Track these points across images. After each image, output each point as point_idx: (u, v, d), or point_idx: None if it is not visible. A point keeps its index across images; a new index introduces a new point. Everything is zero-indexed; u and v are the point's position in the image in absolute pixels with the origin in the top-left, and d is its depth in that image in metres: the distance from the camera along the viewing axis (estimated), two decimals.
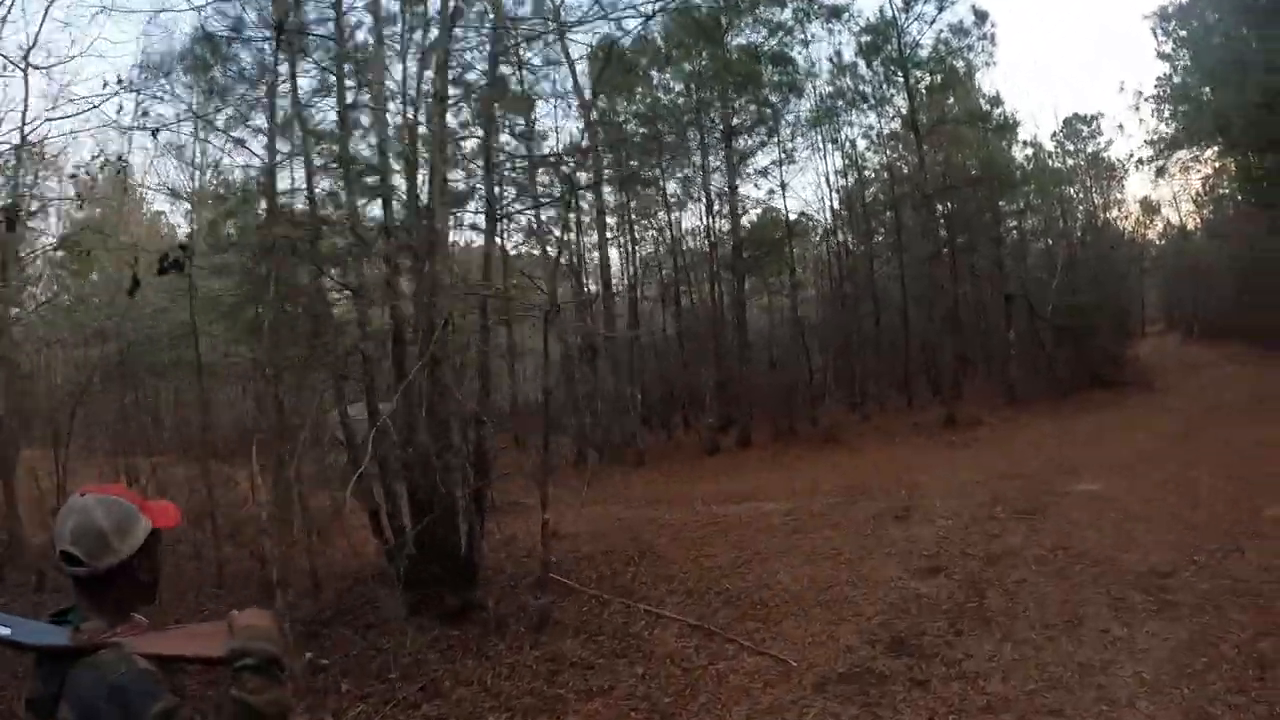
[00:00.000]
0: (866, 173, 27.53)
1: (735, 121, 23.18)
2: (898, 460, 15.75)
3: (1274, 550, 6.61)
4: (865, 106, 25.37)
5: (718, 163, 23.75)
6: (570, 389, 21.65)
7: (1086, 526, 8.42)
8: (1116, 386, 22.23)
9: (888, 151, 27.51)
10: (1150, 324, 45.00)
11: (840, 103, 25.44)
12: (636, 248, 27.67)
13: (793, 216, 26.38)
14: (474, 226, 16.74)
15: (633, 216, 26.78)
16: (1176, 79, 26.86)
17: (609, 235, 25.88)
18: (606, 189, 22.67)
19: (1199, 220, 39.37)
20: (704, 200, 23.89)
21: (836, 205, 27.82)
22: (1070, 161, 37.74)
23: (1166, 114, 30.30)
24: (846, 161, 26.78)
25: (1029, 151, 30.88)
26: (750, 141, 24.25)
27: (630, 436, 22.12)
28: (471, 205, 12.16)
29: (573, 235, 22.86)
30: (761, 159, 24.87)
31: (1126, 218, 42.84)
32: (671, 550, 9.84)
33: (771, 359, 24.72)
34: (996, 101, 27.45)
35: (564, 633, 7.33)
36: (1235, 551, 6.82)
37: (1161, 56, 27.68)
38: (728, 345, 23.84)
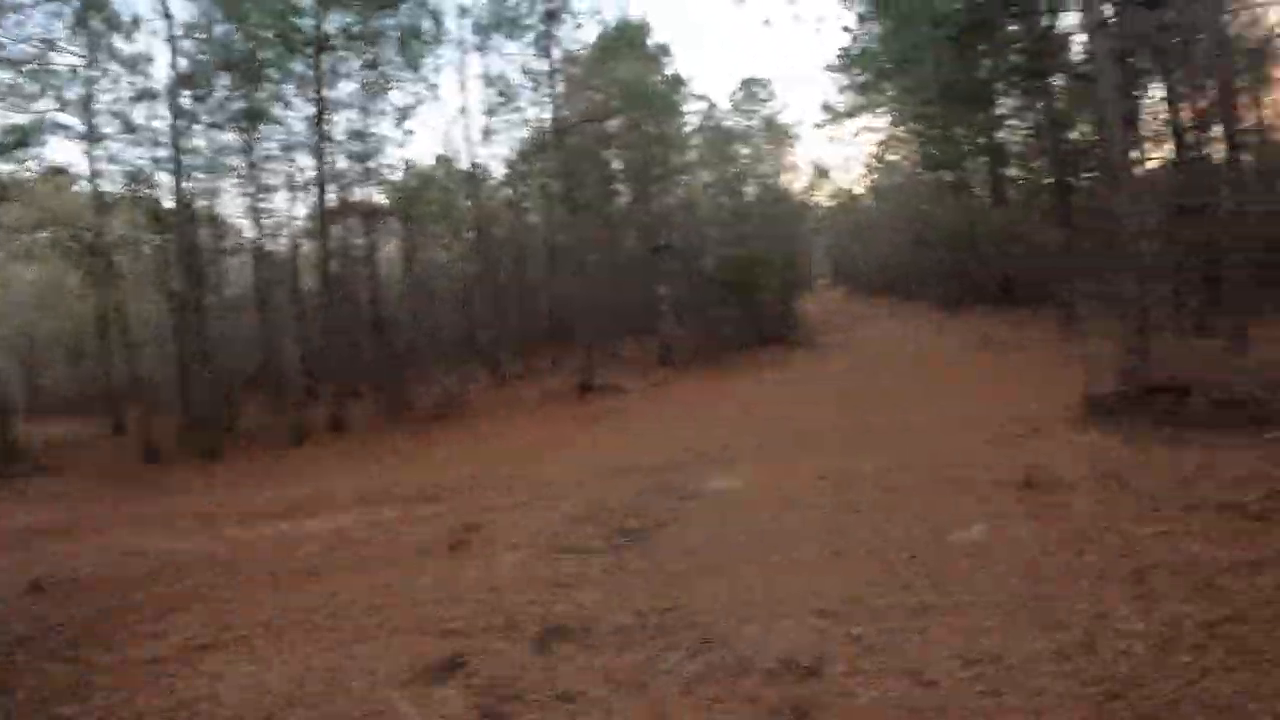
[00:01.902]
0: (520, 113, 24.91)
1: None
2: (511, 442, 13.65)
3: (970, 626, 4.39)
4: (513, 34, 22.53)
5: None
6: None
7: (705, 560, 5.96)
8: (783, 343, 22.46)
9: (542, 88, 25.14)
10: (817, 279, 50.05)
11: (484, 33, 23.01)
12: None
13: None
14: None
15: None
16: (856, 51, 28.74)
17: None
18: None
19: (869, 183, 44.04)
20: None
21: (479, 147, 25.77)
22: (746, 123, 41.51)
23: (845, 83, 33.09)
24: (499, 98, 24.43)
25: (700, 106, 33.53)
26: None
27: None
28: None
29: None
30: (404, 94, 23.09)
31: (798, 179, 47.79)
32: (100, 627, 6.10)
33: (377, 320, 21.28)
34: (665, 51, 28.58)
35: None
36: (912, 628, 4.42)
37: (845, 30, 28.87)
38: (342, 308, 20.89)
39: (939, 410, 11.52)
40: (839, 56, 30.26)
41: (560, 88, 23.07)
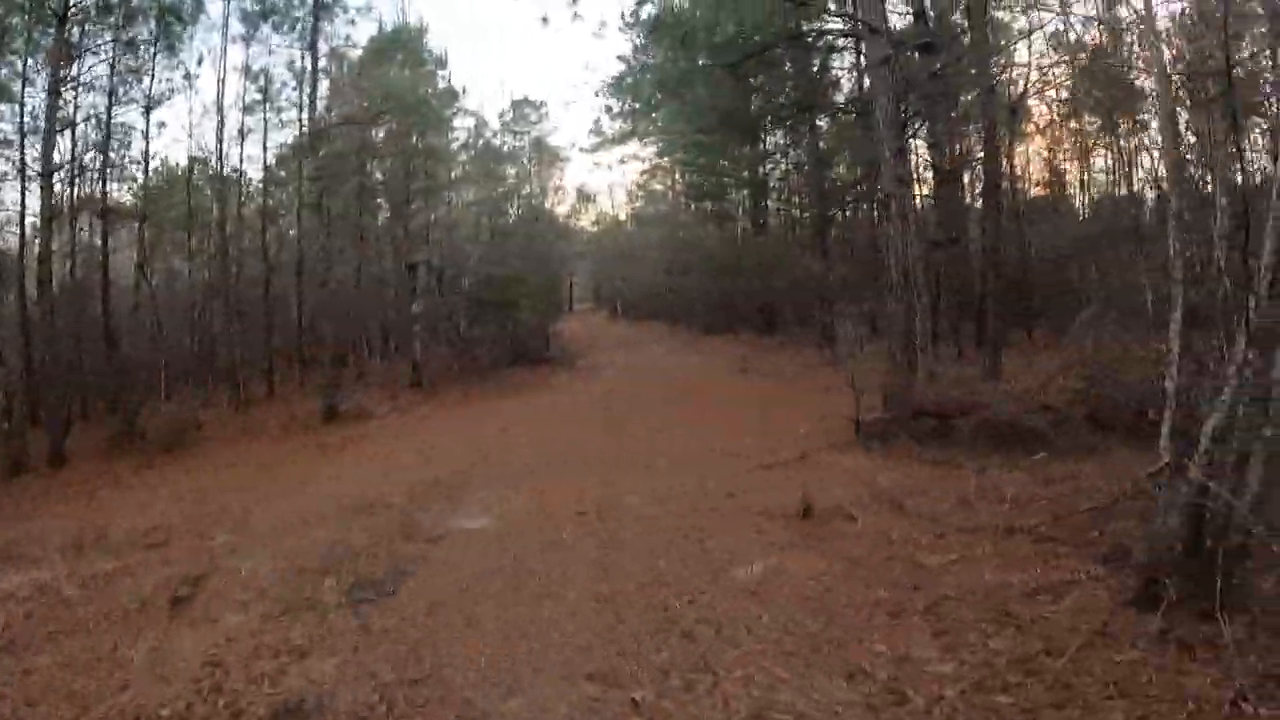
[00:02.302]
0: (281, 113, 22.93)
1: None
2: (249, 475, 11.93)
3: (764, 679, 3.86)
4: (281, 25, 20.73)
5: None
6: None
7: (458, 615, 5.05)
8: (542, 365, 21.81)
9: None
10: (579, 303, 50.56)
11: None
12: None
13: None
14: None
15: None
16: (629, 79, 28.49)
17: None
18: None
19: (632, 210, 45.27)
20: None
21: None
22: (515, 143, 40.73)
23: (615, 110, 32.61)
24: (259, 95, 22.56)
25: (470, 123, 32.42)
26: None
27: None
28: None
29: None
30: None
31: (563, 202, 47.28)
32: None
33: (108, 333, 18.67)
34: (441, 63, 27.58)
35: None
36: (700, 686, 3.83)
37: (620, 59, 29.31)
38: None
39: (704, 436, 11.16)
40: (611, 83, 30.31)
41: (324, 88, 21.46)
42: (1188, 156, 13.98)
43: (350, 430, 14.96)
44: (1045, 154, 22.32)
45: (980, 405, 8.78)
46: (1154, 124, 19.51)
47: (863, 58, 19.68)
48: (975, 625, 4.23)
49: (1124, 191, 21.44)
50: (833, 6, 14.05)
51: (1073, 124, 21.49)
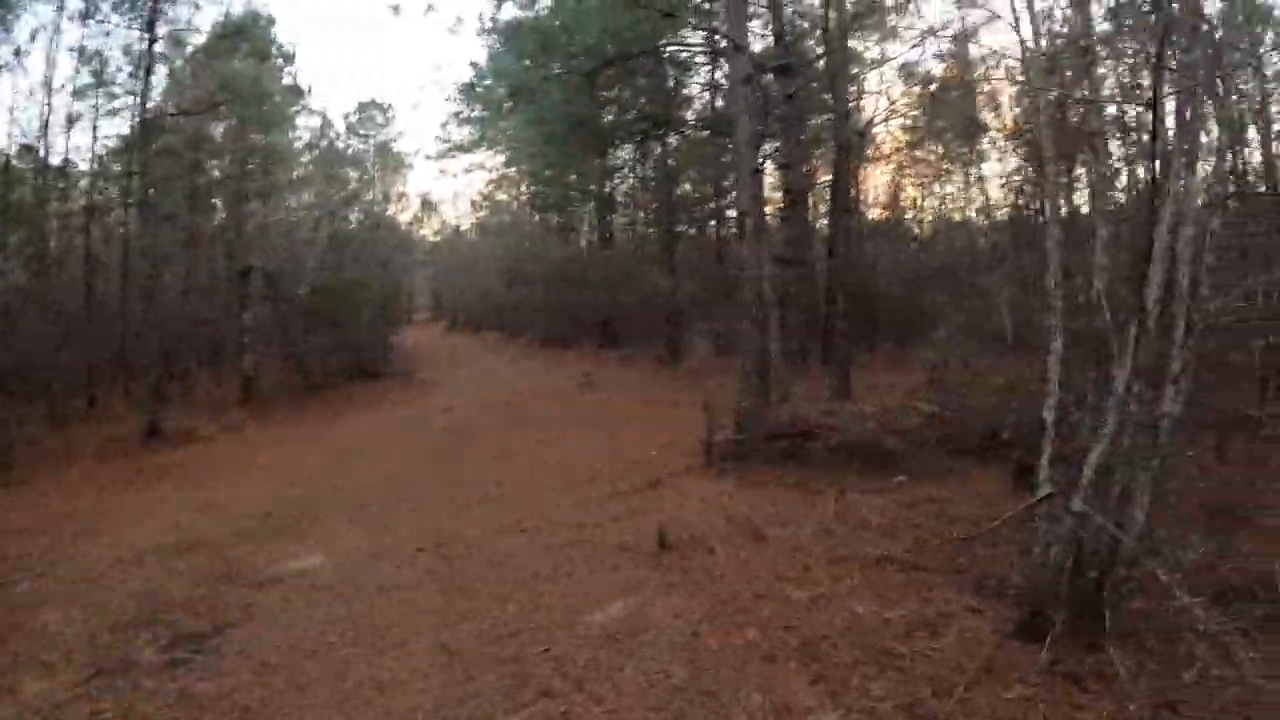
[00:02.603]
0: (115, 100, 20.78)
1: None
2: (57, 508, 10.18)
3: None
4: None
5: None
6: None
7: (287, 678, 4.47)
8: (380, 379, 20.71)
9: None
10: (418, 312, 49.34)
11: None
12: None
13: None
14: None
15: None
16: (480, 87, 27.79)
17: None
18: None
19: (476, 220, 44.03)
20: None
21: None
22: (360, 146, 39.62)
23: (464, 116, 31.39)
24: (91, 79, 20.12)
25: (315, 123, 30.85)
26: None
27: None
28: None
29: None
30: None
31: (406, 210, 46.11)
32: None
33: None
34: (289, 57, 26.11)
35: None
36: None
37: (473, 64, 29.64)
38: None
39: (550, 458, 10.59)
40: (461, 88, 29.51)
41: (162, 76, 19.72)
42: (1025, 187, 14.59)
43: (174, 454, 13.39)
44: (891, 179, 23.02)
45: (835, 427, 8.63)
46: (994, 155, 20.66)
47: (720, 75, 19.94)
48: (855, 667, 3.95)
49: (964, 218, 22.53)
50: (692, 21, 13.86)
51: (918, 152, 22.25)
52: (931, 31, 15.18)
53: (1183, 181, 3.75)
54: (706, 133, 20.45)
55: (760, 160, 9.75)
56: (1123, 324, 4.03)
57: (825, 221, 18.58)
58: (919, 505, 6.85)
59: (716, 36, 14.69)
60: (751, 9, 12.27)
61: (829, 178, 19.56)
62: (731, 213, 21.55)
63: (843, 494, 7.18)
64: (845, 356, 12.77)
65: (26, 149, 19.78)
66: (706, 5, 15.09)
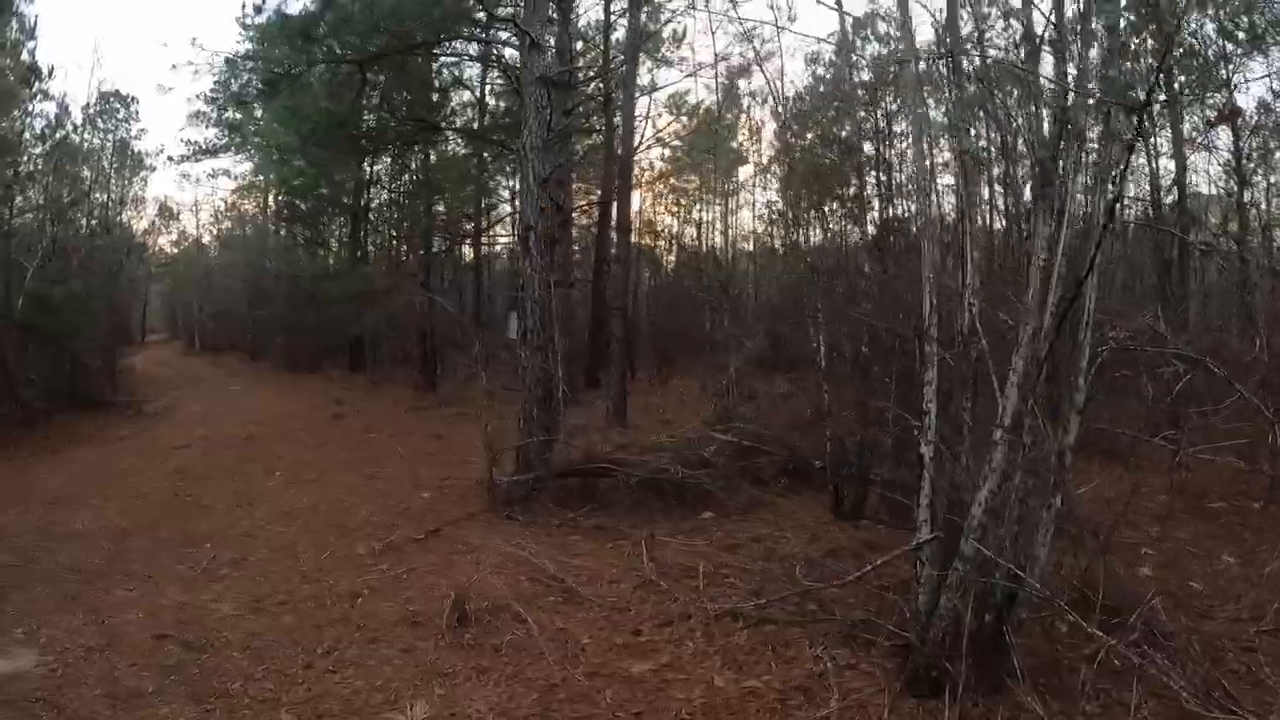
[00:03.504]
0: None
1: None
2: None
3: None
4: None
5: None
6: None
7: None
8: (104, 410, 17.69)
9: None
10: (152, 332, 44.53)
11: None
12: None
13: None
14: None
15: None
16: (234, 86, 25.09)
17: None
18: None
19: (218, 231, 40.47)
20: None
21: None
22: (98, 141, 33.99)
23: (212, 118, 28.49)
24: None
25: (51, 110, 25.41)
26: None
27: None
28: None
29: None
30: None
31: (142, 217, 40.24)
32: None
33: None
34: (30, 32, 21.68)
35: None
36: None
37: (229, 60, 25.80)
38: None
39: (300, 503, 9.04)
40: (211, 90, 26.88)
41: None
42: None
43: None
44: (650, 204, 23.16)
45: (630, 461, 7.95)
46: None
47: (488, 85, 19.15)
48: None
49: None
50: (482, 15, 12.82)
51: (675, 180, 22.54)
52: (709, 64, 15.31)
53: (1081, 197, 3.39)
54: (474, 141, 19.53)
55: (548, 170, 8.92)
56: (1009, 351, 3.67)
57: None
58: (743, 546, 6.30)
59: (501, 35, 13.80)
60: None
61: (593, 198, 19.40)
62: (502, 234, 20.97)
63: (652, 538, 6.45)
64: (621, 382, 12.23)
65: None
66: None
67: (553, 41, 10.36)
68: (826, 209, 13.75)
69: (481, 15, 12.96)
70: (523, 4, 9.80)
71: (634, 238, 20.28)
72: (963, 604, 3.63)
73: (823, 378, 7.63)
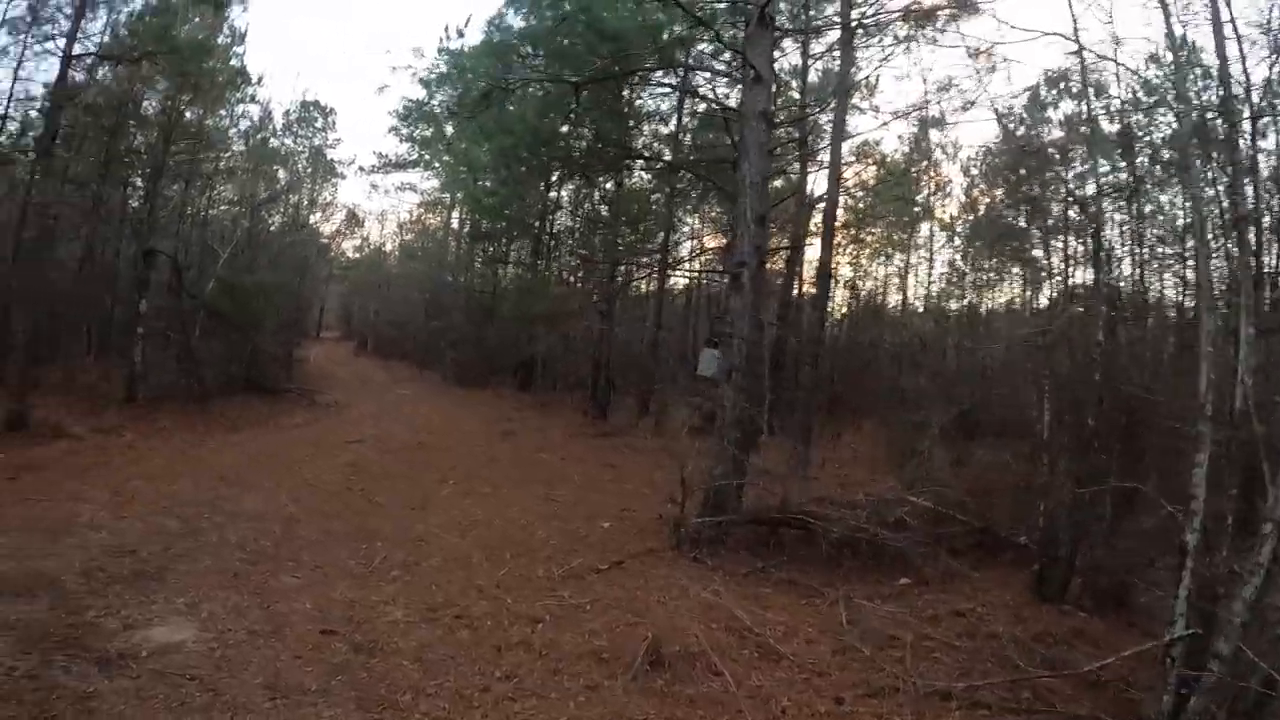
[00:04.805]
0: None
1: None
2: None
3: None
4: None
5: None
6: None
7: None
8: (278, 397, 18.96)
9: None
10: (327, 329, 46.90)
11: None
12: None
13: None
14: None
15: None
16: (428, 106, 27.68)
17: None
18: None
19: (401, 241, 42.64)
20: None
21: None
22: (295, 146, 36.57)
23: (404, 134, 30.74)
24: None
25: (255, 112, 28.06)
26: None
27: None
28: None
29: None
30: None
31: (330, 220, 42.81)
32: None
33: None
34: (240, 39, 23.63)
35: None
36: None
37: (422, 83, 27.56)
38: None
39: (476, 516, 9.19)
40: (405, 106, 28.73)
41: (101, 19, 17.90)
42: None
43: (34, 452, 11.20)
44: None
45: (828, 516, 7.76)
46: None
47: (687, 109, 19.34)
48: None
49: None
50: (711, 41, 12.95)
51: (855, 230, 22.36)
52: (904, 112, 15.07)
53: None
54: (662, 174, 19.68)
55: (765, 207, 8.92)
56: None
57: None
58: (943, 619, 6.08)
59: (716, 66, 13.96)
60: None
61: (783, 242, 19.26)
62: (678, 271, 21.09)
63: (849, 598, 6.33)
64: (807, 429, 12.01)
65: None
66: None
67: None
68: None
69: (704, 46, 13.12)
70: (744, 37, 9.83)
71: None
72: (1218, 708, 3.39)
73: (1043, 449, 7.30)
